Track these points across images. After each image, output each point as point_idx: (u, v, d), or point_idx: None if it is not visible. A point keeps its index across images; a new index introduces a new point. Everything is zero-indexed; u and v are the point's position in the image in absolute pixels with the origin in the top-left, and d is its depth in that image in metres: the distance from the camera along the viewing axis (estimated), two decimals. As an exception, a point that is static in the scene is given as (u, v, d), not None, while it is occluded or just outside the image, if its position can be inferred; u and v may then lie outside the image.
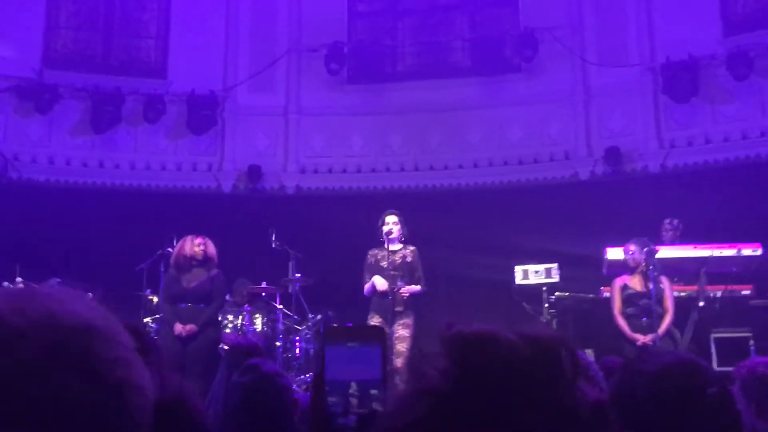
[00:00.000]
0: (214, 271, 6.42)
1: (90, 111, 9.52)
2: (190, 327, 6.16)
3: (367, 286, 6.30)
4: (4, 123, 9.37)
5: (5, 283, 7.27)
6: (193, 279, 6.35)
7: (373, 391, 0.92)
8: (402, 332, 6.10)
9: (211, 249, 6.47)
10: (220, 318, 6.90)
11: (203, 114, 9.73)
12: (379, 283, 6.21)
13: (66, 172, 9.59)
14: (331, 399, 0.92)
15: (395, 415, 0.75)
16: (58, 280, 6.94)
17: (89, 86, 9.51)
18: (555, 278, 7.41)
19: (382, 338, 0.95)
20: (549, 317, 7.16)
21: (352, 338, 0.96)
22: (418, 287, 6.32)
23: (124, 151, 9.78)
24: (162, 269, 6.72)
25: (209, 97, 9.72)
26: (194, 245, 6.41)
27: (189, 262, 6.37)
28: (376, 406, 0.92)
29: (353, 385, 0.92)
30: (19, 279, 7.19)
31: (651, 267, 6.32)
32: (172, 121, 9.83)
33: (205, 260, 6.40)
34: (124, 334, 0.70)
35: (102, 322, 0.67)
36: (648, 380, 1.29)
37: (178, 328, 6.13)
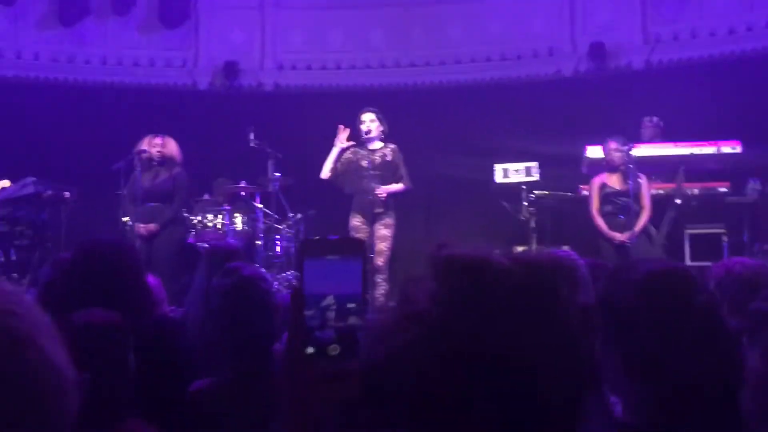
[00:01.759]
0: (176, 170, 6.37)
1: (56, 2, 9.08)
2: (152, 226, 6.17)
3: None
4: (-35, 15, 8.94)
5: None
6: (154, 178, 6.31)
7: (351, 305, 0.90)
8: (383, 232, 6.14)
9: (171, 148, 6.40)
10: (199, 217, 6.89)
11: (175, 5, 9.32)
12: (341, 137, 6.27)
13: (35, 68, 9.23)
14: (308, 312, 0.90)
15: (382, 340, 0.73)
16: (34, 179, 6.83)
17: (53, -25, 9.02)
18: (535, 177, 7.42)
19: (362, 252, 0.92)
20: (528, 216, 7.22)
21: (331, 251, 0.93)
22: (400, 186, 6.30)
23: (94, 46, 9.41)
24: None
25: (181, -13, 9.29)
26: (151, 145, 6.34)
27: (148, 162, 6.32)
28: (354, 320, 0.90)
29: (330, 298, 0.90)
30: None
31: (630, 165, 6.33)
32: (144, 14, 9.42)
33: (164, 160, 6.34)
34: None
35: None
36: (635, 287, 1.29)
37: (140, 227, 6.14)
